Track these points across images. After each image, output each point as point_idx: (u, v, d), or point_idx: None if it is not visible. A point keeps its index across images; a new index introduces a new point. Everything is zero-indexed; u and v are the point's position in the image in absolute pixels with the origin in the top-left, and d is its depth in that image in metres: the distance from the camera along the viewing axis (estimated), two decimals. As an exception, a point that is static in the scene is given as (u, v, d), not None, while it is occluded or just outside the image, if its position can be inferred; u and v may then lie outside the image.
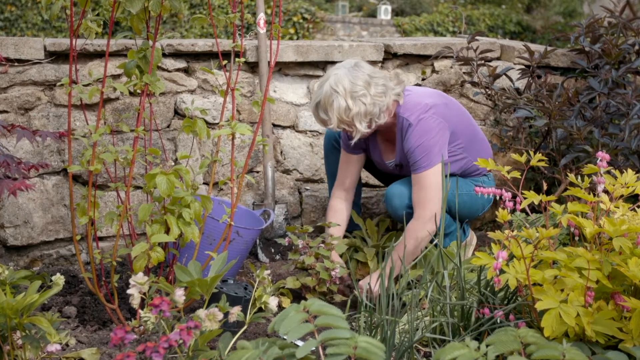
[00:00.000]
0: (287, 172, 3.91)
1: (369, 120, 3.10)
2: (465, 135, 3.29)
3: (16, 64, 3.35)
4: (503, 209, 2.38)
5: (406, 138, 3.15)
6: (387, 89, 3.12)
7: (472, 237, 3.55)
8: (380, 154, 3.38)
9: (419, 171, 3.12)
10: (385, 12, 14.90)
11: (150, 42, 2.65)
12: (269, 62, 3.60)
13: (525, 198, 2.43)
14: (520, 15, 14.70)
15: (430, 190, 3.11)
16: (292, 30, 12.65)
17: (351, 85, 3.05)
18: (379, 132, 3.32)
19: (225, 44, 3.53)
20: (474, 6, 15.14)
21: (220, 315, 2.09)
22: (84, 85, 2.67)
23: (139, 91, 2.69)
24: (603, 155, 2.41)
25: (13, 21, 11.83)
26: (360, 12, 16.18)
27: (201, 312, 2.12)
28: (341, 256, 3.28)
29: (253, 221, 3.43)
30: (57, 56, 3.41)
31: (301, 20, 12.75)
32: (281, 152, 3.89)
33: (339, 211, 3.42)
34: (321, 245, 3.17)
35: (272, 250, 3.63)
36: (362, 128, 3.09)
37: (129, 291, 2.23)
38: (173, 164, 2.65)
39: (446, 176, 3.20)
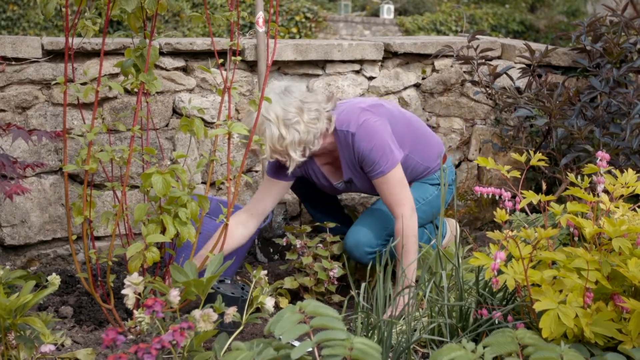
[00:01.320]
0: (286, 171, 3.89)
1: (302, 148, 2.95)
2: (405, 136, 3.15)
3: (14, 62, 3.33)
4: (501, 208, 2.36)
5: (355, 148, 3.00)
6: (320, 113, 2.96)
7: (454, 227, 3.44)
8: (326, 178, 3.22)
9: (385, 172, 2.97)
10: (388, 12, 14.88)
11: (148, 41, 2.63)
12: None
13: (524, 198, 2.41)
14: (524, 15, 14.66)
15: (401, 186, 2.99)
16: (294, 30, 12.63)
17: (284, 113, 2.88)
18: (316, 158, 3.17)
19: (224, 43, 3.51)
20: (477, 5, 15.10)
21: (215, 316, 2.07)
22: (81, 84, 2.66)
23: (136, 90, 2.67)
24: (603, 155, 2.39)
25: (15, 20, 11.83)
26: (363, 12, 16.16)
27: (196, 313, 2.10)
28: (339, 257, 3.26)
29: None
30: (54, 55, 3.40)
31: (304, 20, 12.73)
32: (280, 152, 3.86)
33: (228, 234, 2.89)
34: (319, 245, 3.15)
35: (271, 250, 3.61)
36: (296, 157, 2.93)
37: (123, 291, 2.22)
38: (169, 163, 2.63)
39: None
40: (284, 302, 3.08)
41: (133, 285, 2.22)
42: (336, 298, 3.11)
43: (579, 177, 2.48)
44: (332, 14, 14.19)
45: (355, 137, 2.98)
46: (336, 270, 3.06)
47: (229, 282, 2.87)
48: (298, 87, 2.99)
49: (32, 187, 3.40)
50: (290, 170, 2.98)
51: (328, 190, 3.32)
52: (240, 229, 3.09)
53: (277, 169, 3.14)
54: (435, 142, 3.31)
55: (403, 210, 2.98)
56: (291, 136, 2.89)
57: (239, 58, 2.60)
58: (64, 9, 2.47)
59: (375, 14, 15.48)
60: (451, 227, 3.51)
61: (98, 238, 3.53)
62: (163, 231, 2.60)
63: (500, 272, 2.17)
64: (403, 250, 2.92)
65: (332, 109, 3.03)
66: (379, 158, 2.97)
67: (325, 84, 3.90)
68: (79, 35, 2.70)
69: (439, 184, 3.26)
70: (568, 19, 14.05)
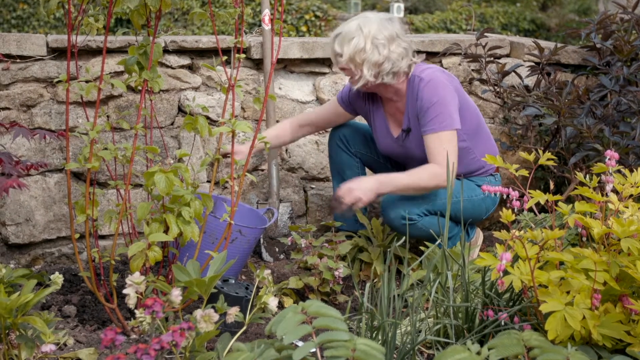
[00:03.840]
0: (292, 170, 3.86)
1: (377, 72, 3.07)
2: (470, 125, 3.22)
3: (18, 60, 3.32)
4: (508, 208, 2.33)
5: (419, 95, 3.09)
6: (407, 52, 3.10)
7: (477, 237, 3.49)
8: (387, 127, 3.31)
9: (437, 130, 3.04)
10: (398, 10, 14.80)
11: (151, 38, 2.61)
12: (274, 59, 3.55)
13: (532, 197, 2.37)
14: (535, 13, 14.58)
15: (452, 147, 3.04)
16: (304, 28, 12.59)
17: (376, 32, 3.04)
18: (385, 107, 3.29)
19: (230, 41, 3.48)
20: (488, 4, 15.03)
21: (216, 317, 2.05)
22: (85, 82, 2.64)
23: (139, 88, 2.65)
24: (612, 154, 2.35)
25: (25, 19, 11.85)
26: (373, 10, 16.09)
27: (197, 313, 2.08)
28: (344, 258, 3.23)
29: (256, 220, 3.39)
30: (59, 53, 3.39)
31: (313, 18, 12.69)
32: (286, 150, 3.84)
33: (281, 127, 3.44)
34: (325, 244, 3.12)
35: (277, 249, 3.59)
36: (367, 75, 3.06)
37: (124, 291, 2.19)
38: (172, 161, 2.60)
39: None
40: (288, 301, 3.05)
41: (134, 284, 2.19)
42: (341, 298, 3.08)
43: (588, 176, 2.44)
44: (342, 13, 14.14)
45: (422, 82, 3.09)
46: (341, 269, 3.03)
47: (233, 281, 2.84)
48: (401, 24, 3.17)
49: (37, 185, 3.39)
50: (356, 87, 3.13)
51: (383, 145, 3.38)
52: (289, 127, 3.44)
53: (347, 99, 3.38)
54: (492, 143, 3.37)
55: (441, 161, 3.02)
56: (372, 54, 3.03)
57: (243, 56, 2.57)
58: (68, 7, 2.45)
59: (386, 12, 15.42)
60: (477, 234, 3.53)
61: (103, 237, 3.52)
62: (166, 230, 2.58)
63: (506, 272, 2.13)
64: (410, 172, 3.10)
65: (415, 62, 3.16)
66: (437, 115, 3.05)
67: (331, 82, 3.87)
68: (85, 34, 2.68)
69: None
70: (579, 17, 13.95)
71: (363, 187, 3.02)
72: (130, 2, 2.40)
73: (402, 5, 14.89)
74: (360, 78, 3.09)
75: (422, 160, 3.14)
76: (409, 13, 15.17)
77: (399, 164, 3.43)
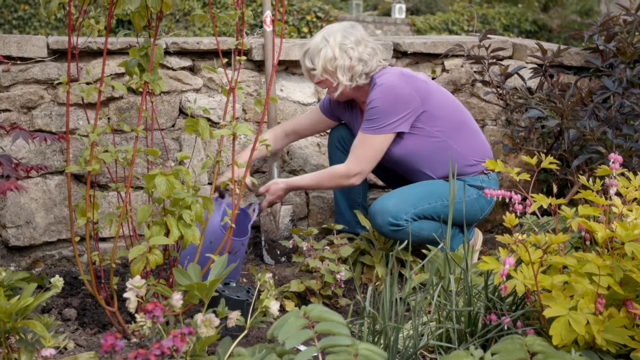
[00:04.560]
0: (293, 172, 3.85)
1: (350, 75, 3.17)
2: (446, 122, 3.22)
3: (19, 62, 3.31)
4: (511, 212, 2.31)
5: (369, 96, 3.17)
6: (375, 52, 3.20)
7: (476, 240, 3.47)
8: None
9: (369, 131, 3.16)
10: (399, 11, 14.81)
11: (152, 40, 2.59)
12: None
13: (535, 201, 2.36)
14: (537, 14, 14.56)
15: (371, 151, 3.18)
16: (305, 29, 12.58)
17: (342, 39, 3.16)
18: (363, 112, 3.34)
19: (231, 42, 3.47)
20: (490, 5, 15.02)
21: (217, 321, 2.03)
22: (86, 84, 2.62)
23: (140, 90, 2.64)
24: (615, 157, 2.33)
25: (27, 20, 11.84)
26: (375, 11, 16.11)
27: (198, 318, 2.06)
28: (346, 260, 3.22)
29: (242, 216, 3.35)
30: (60, 54, 3.37)
31: (315, 19, 12.68)
32: (287, 152, 3.83)
33: (267, 135, 3.47)
34: (326, 247, 3.11)
35: (278, 252, 3.57)
36: (344, 80, 3.16)
37: (125, 295, 2.18)
38: (173, 164, 2.59)
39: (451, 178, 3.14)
40: (290, 305, 3.03)
41: (135, 288, 2.18)
42: (343, 301, 3.07)
43: (591, 179, 2.42)
44: (343, 14, 14.15)
45: (375, 86, 3.17)
46: (343, 273, 3.01)
47: (234, 284, 2.83)
48: (364, 30, 3.29)
49: (37, 187, 3.37)
50: (335, 95, 3.24)
51: None
52: (271, 141, 3.42)
53: (328, 107, 3.47)
54: (480, 140, 3.35)
55: (353, 165, 3.20)
56: (342, 60, 3.15)
57: (244, 58, 2.56)
58: (68, 8, 2.44)
59: (387, 13, 15.42)
60: (476, 236, 3.50)
61: (103, 239, 3.50)
62: (167, 233, 2.56)
63: (509, 277, 2.12)
64: (315, 173, 3.33)
65: (385, 65, 3.26)
66: (371, 117, 3.15)
67: (333, 84, 3.85)
68: (86, 35, 2.66)
69: (481, 188, 3.26)
70: (581, 18, 13.93)
71: (274, 190, 3.36)
72: (131, 3, 2.38)
73: (403, 6, 14.89)
74: (338, 85, 3.19)
75: (399, 160, 3.25)
76: (411, 14, 15.17)
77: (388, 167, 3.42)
